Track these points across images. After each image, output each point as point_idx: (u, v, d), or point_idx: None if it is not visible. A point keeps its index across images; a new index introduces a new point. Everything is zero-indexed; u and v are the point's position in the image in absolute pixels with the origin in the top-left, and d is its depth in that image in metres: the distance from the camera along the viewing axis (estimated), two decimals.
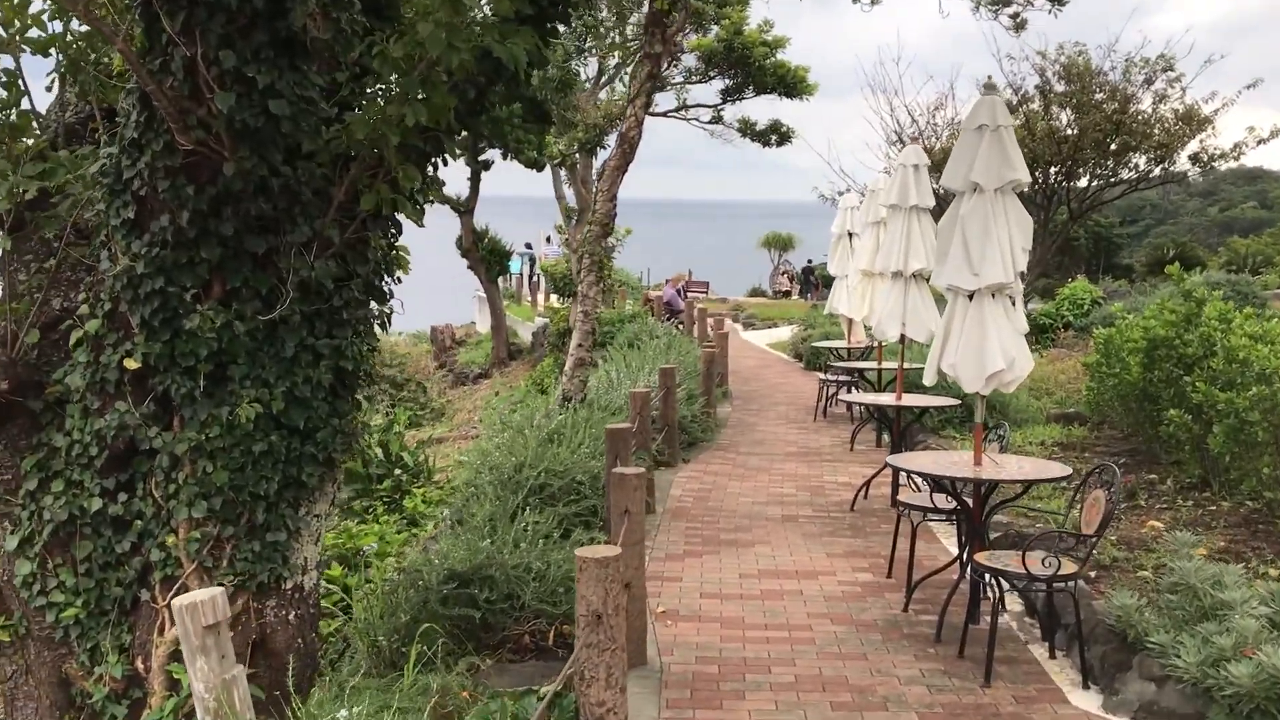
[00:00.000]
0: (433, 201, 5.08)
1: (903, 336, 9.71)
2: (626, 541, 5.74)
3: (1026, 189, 6.94)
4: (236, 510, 4.55)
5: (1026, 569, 5.69)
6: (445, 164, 5.07)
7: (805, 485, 10.72)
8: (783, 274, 43.67)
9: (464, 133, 5.09)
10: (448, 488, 9.77)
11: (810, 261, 41.48)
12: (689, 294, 26.43)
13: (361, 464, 11.55)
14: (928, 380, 6.69)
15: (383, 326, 5.27)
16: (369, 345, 5.05)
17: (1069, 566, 5.75)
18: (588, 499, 7.78)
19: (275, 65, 3.97)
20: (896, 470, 9.70)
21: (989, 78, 7.39)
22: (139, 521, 4.62)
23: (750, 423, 14.67)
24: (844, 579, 7.62)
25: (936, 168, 13.65)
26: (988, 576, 6.06)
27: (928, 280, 9.85)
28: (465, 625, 5.73)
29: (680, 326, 22.78)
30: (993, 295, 6.42)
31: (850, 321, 15.19)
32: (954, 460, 6.69)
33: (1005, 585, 6.07)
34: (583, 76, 19.14)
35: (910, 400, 9.69)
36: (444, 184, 5.17)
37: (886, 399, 9.82)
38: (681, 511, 9.50)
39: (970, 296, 6.46)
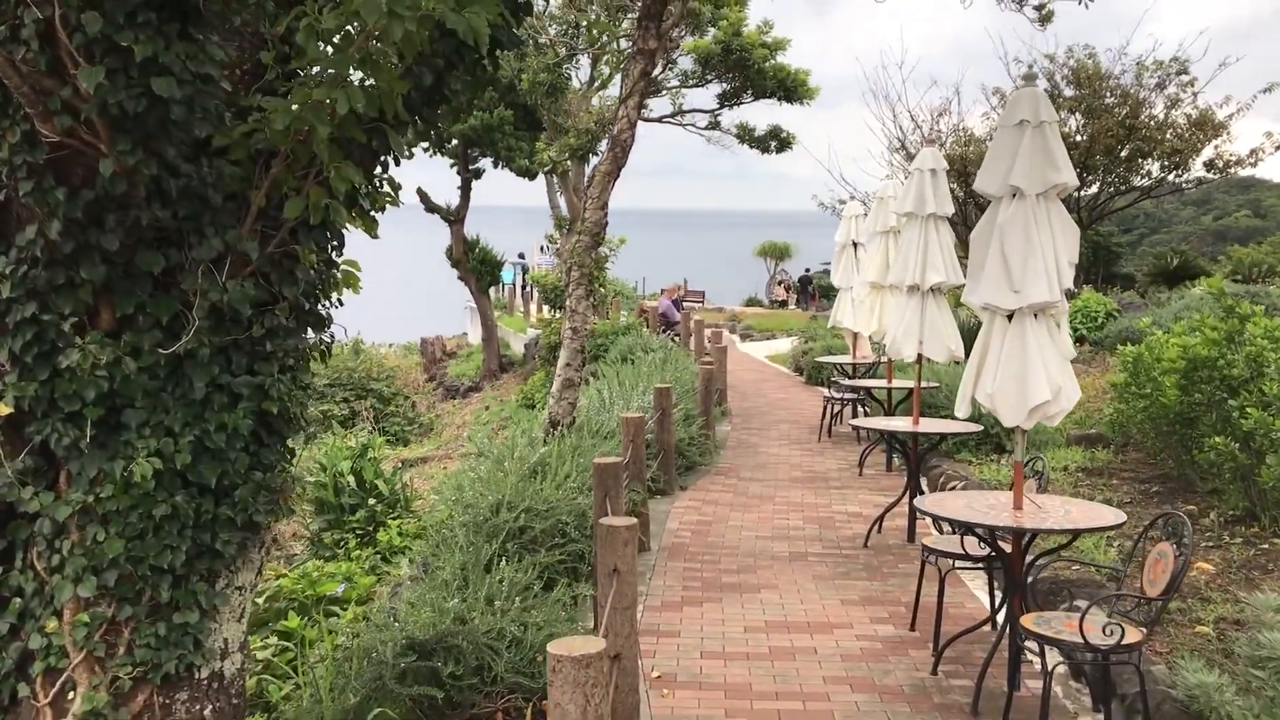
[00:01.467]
0: (383, 208, 4.23)
1: (919, 356, 8.90)
2: (617, 605, 4.90)
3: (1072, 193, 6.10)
4: (135, 586, 3.70)
5: (1084, 637, 4.86)
6: (397, 163, 4.24)
7: (813, 516, 9.89)
8: (780, 283, 42.86)
9: (420, 125, 4.25)
10: (425, 519, 8.92)
11: (808, 270, 40.69)
12: (685, 304, 25.62)
13: (333, 493, 10.70)
14: (960, 412, 5.86)
15: (321, 358, 4.42)
16: (301, 382, 4.19)
17: (1132, 634, 4.92)
18: (574, 542, 6.95)
19: (159, 33, 3.11)
20: (914, 498, 8.89)
21: (1030, 66, 6.59)
22: (17, 600, 3.77)
23: (751, 443, 13.85)
24: (862, 632, 6.78)
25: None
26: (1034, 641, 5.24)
27: (946, 295, 9.04)
28: (427, 704, 4.89)
29: (676, 339, 21.96)
30: (1035, 316, 5.61)
31: (855, 336, 14.38)
32: (990, 504, 5.86)
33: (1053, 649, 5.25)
34: (575, 81, 18.37)
35: (928, 425, 8.87)
36: (399, 187, 4.33)
37: (901, 424, 8.99)
38: (679, 549, 8.67)
39: (1009, 317, 5.64)
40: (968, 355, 6.26)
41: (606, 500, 6.56)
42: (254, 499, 3.85)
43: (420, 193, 26.54)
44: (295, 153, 3.59)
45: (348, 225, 4.10)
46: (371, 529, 10.25)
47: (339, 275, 4.28)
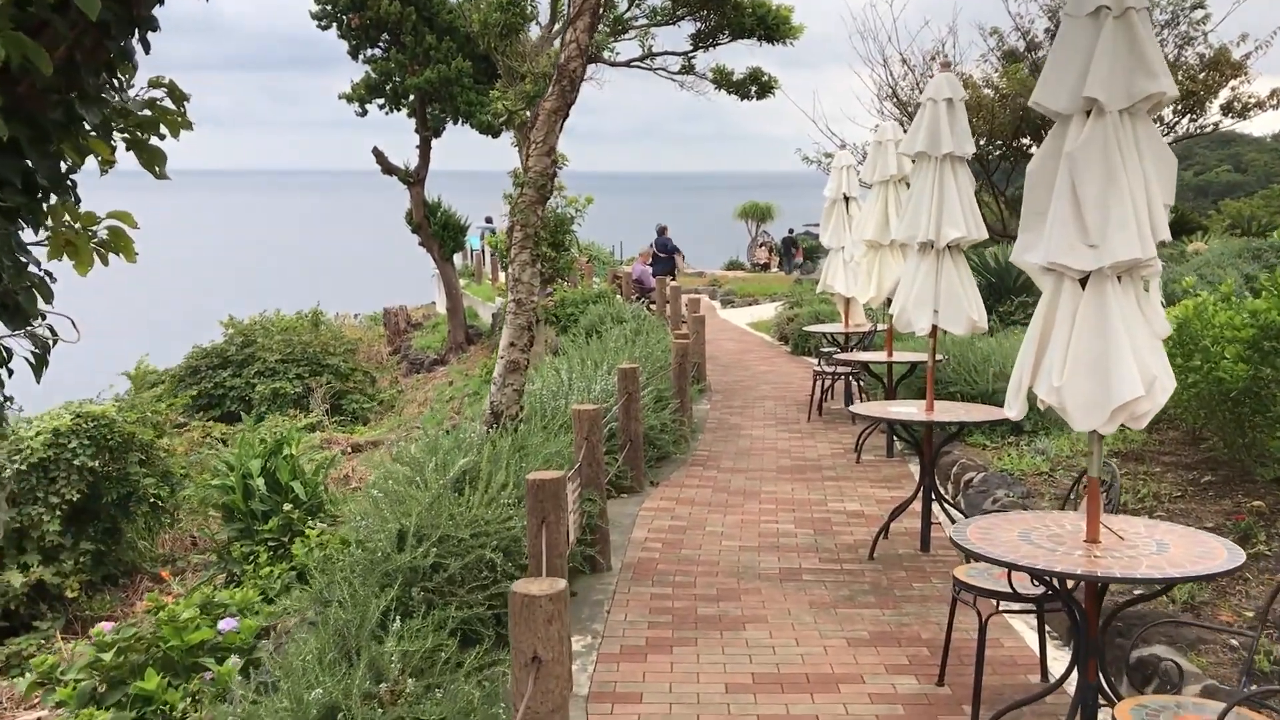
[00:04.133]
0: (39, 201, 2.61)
1: (934, 328, 7.35)
2: (536, 710, 3.37)
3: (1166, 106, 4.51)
4: None
5: None
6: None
7: (806, 518, 8.37)
8: (761, 245, 41.25)
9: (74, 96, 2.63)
10: (346, 531, 7.32)
11: (791, 231, 39.09)
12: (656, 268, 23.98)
13: (242, 498, 9.12)
14: (1014, 412, 4.32)
15: (36, 367, 2.82)
16: None
17: None
18: (508, 578, 5.40)
19: None
20: (930, 505, 7.38)
21: None
22: None
23: (733, 424, 12.32)
24: (877, 689, 5.27)
25: None
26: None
27: (965, 252, 7.49)
28: None
29: (652, 307, 20.38)
30: (1119, 279, 4.06)
31: (848, 302, 12.84)
32: (1053, 532, 4.34)
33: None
34: (536, 26, 16.65)
35: (944, 412, 7.34)
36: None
37: (911, 410, 7.46)
38: (647, 567, 7.14)
39: (1083, 282, 4.09)
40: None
41: (543, 531, 5.01)
42: None
43: (376, 152, 24.80)
44: None
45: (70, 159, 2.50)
46: (287, 540, 8.69)
47: (75, 232, 2.68)
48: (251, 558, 8.71)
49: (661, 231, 24.94)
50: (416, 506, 5.39)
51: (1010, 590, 4.77)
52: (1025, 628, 5.95)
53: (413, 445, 7.14)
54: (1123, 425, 4.08)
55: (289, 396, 22.66)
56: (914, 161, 7.51)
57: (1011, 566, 4.02)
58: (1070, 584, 4.26)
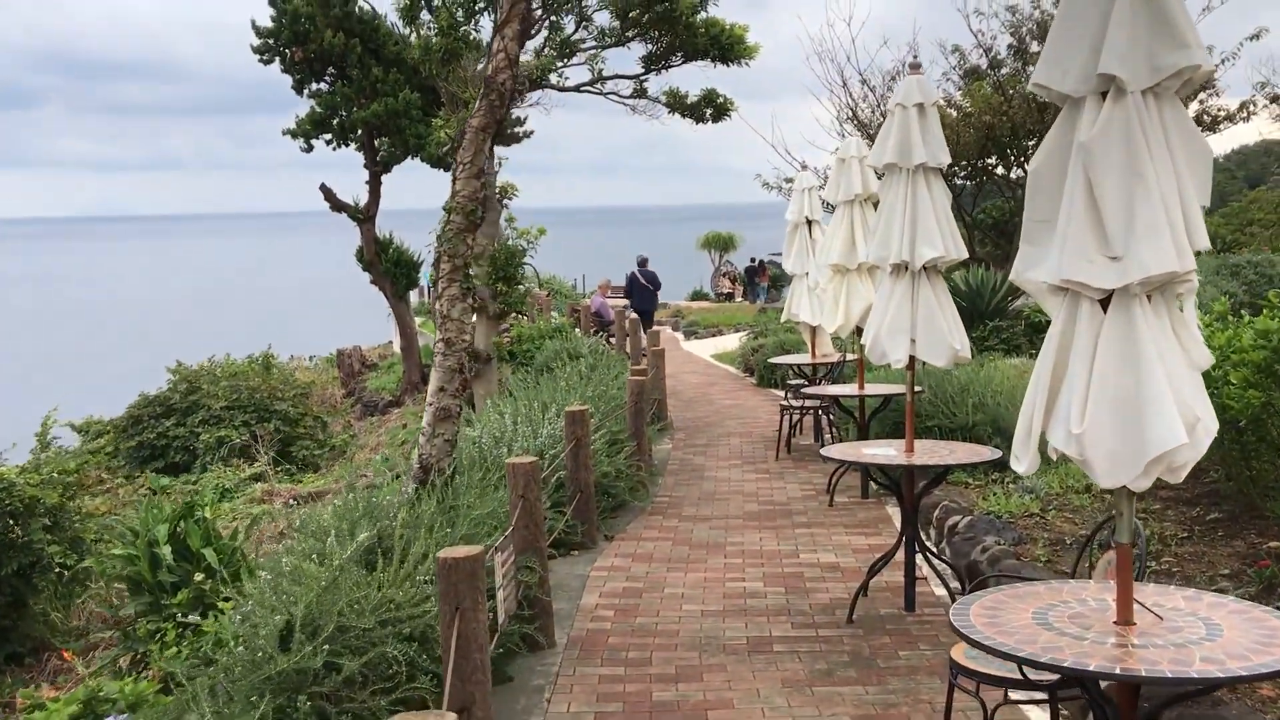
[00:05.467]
0: None
1: (912, 360, 6.56)
2: None
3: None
4: None
5: None
6: None
7: (777, 574, 7.53)
8: (724, 275, 40.64)
9: None
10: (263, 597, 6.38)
11: (753, 260, 38.50)
12: (611, 301, 23.16)
13: (148, 569, 8.17)
14: (1023, 466, 3.51)
15: None
16: None
17: None
18: (422, 675, 4.52)
19: None
20: (913, 558, 6.57)
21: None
22: None
23: (696, 465, 11.49)
24: None
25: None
26: None
27: (950, 273, 6.72)
28: None
29: (611, 340, 19.56)
30: (1148, 298, 3.28)
31: (815, 331, 12.08)
32: (1075, 612, 3.53)
33: None
34: (477, 49, 15.86)
35: (927, 454, 6.54)
36: None
37: (890, 452, 6.66)
38: (596, 641, 6.26)
39: (1104, 303, 3.31)
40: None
41: (457, 623, 4.14)
42: None
43: (324, 189, 23.94)
44: None
45: None
46: (199, 614, 7.73)
47: None
48: (159, 635, 7.75)
49: (643, 263, 24.10)
50: (309, 591, 4.51)
51: (1021, 676, 3.95)
52: (1036, 709, 5.11)
53: (328, 508, 6.25)
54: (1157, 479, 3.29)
55: (235, 445, 21.62)
56: (883, 175, 6.74)
57: (1032, 664, 3.20)
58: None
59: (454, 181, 7.02)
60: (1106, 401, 3.25)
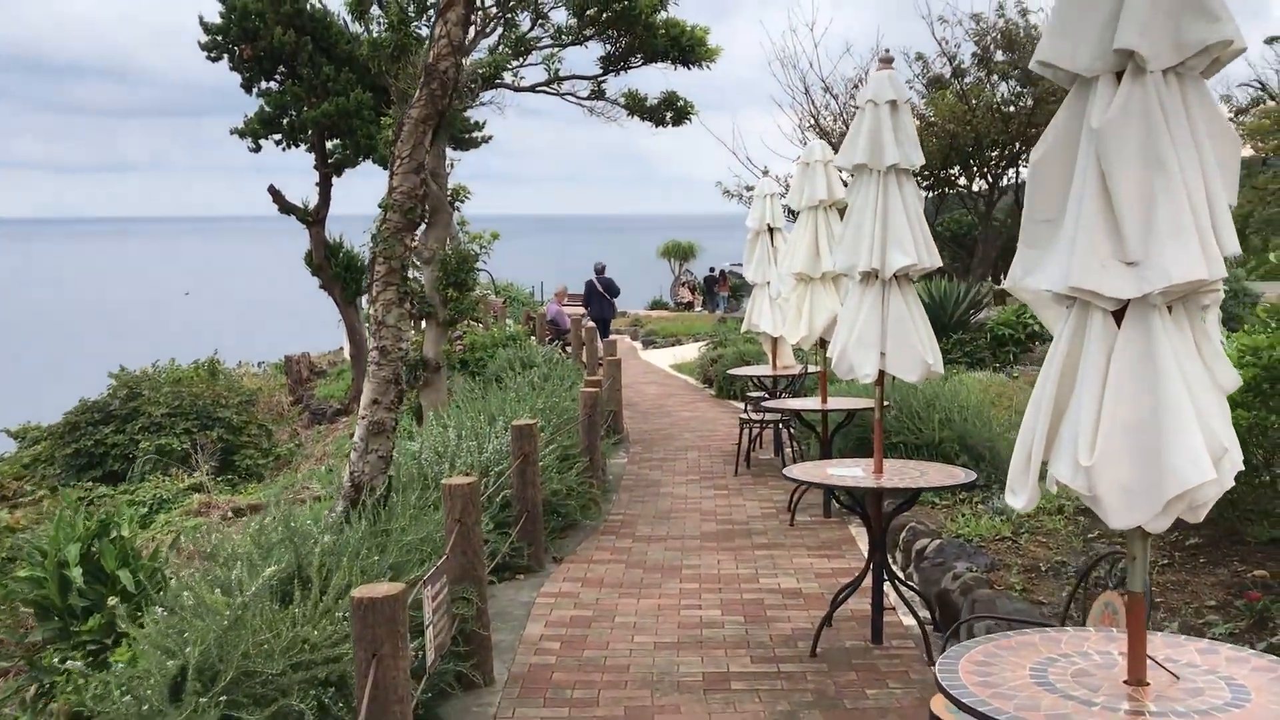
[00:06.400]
0: None
1: (881, 374, 6.13)
2: None
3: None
4: None
5: None
6: None
7: (735, 601, 7.06)
8: (684, 284, 40.27)
9: None
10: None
11: (712, 270, 38.17)
12: (568, 309, 22.64)
13: (57, 592, 7.55)
14: (1021, 502, 3.06)
15: None
16: None
17: None
18: None
19: None
20: (881, 586, 6.13)
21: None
22: None
23: (652, 480, 11.00)
24: None
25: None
26: None
27: (916, 283, 6.29)
28: None
29: (567, 349, 19.06)
30: (1168, 310, 2.84)
31: (776, 342, 11.64)
32: (1079, 669, 3.08)
33: None
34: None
35: (897, 475, 6.10)
36: None
37: (855, 472, 6.22)
38: (539, 677, 5.75)
39: (1118, 316, 2.86)
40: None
41: (374, 669, 3.62)
42: None
43: (273, 191, 23.27)
44: None
45: None
46: (111, 641, 7.13)
47: None
48: (65, 664, 7.13)
49: (600, 270, 23.61)
50: (209, 631, 3.97)
51: None
52: None
53: (249, 529, 5.69)
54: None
55: (176, 453, 20.88)
56: (851, 177, 6.30)
57: None
58: None
59: (391, 177, 6.50)
60: (1120, 429, 2.80)
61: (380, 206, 6.59)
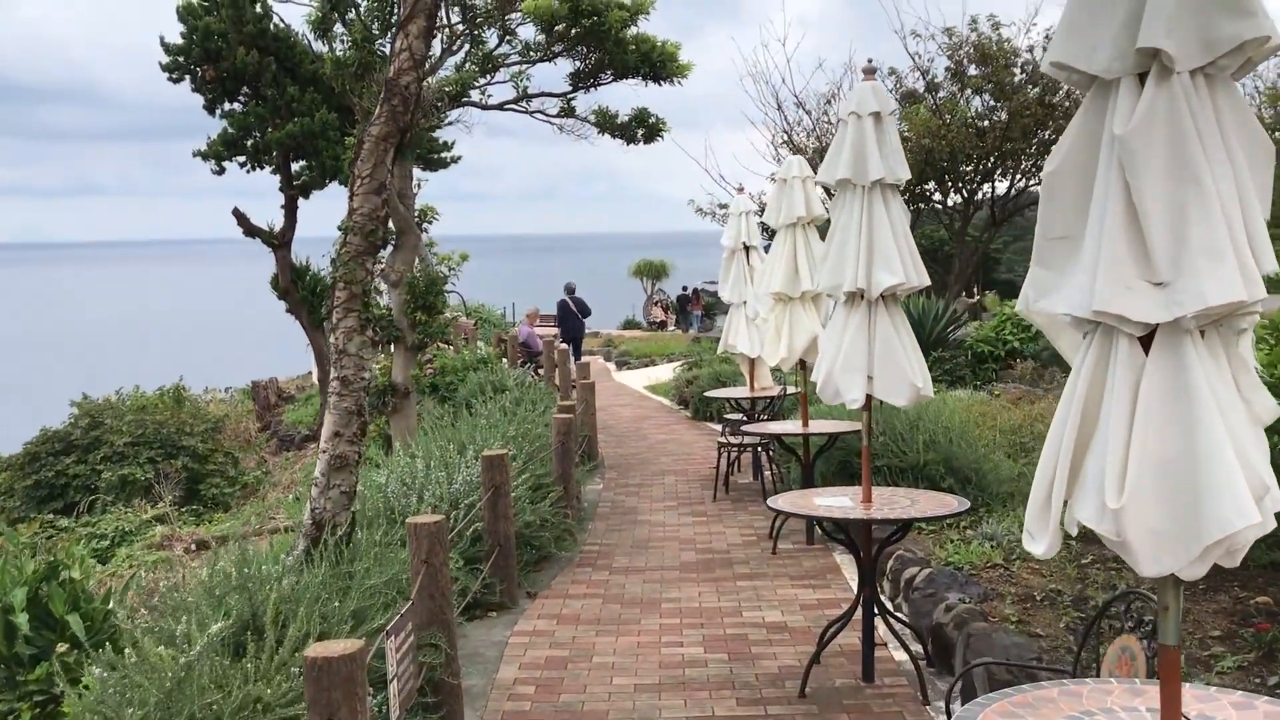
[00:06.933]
0: None
1: (869, 399, 5.86)
2: None
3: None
4: None
5: None
6: None
7: (718, 636, 6.75)
8: (657, 304, 40.01)
9: None
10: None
11: (685, 289, 37.96)
12: (540, 330, 22.33)
13: (2, 637, 7.14)
14: (1041, 549, 2.77)
15: None
16: None
17: None
18: None
19: None
20: (871, 621, 5.84)
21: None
22: None
23: (629, 508, 10.69)
24: None
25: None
26: None
27: (900, 302, 6.04)
28: None
29: (539, 372, 18.73)
30: (1201, 334, 2.57)
31: (753, 363, 11.39)
32: None
33: None
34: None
35: (887, 505, 5.83)
36: None
37: (843, 502, 5.94)
38: None
39: (1145, 342, 2.59)
40: None
41: None
42: None
43: (237, 213, 22.83)
44: None
45: None
46: (60, 691, 6.73)
47: None
48: (12, 716, 6.73)
49: (571, 290, 23.36)
50: (150, 694, 3.63)
51: None
52: None
53: (200, 576, 5.34)
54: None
55: (139, 484, 20.37)
56: (834, 193, 6.04)
57: None
58: None
59: (351, 198, 6.19)
60: (1151, 468, 2.53)
61: (340, 229, 6.29)
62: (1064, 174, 2.71)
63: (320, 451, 6.23)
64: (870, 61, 5.87)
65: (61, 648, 7.08)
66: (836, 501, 5.99)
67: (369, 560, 5.72)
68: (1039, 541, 2.75)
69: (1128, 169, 2.52)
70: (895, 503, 5.90)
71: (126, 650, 4.23)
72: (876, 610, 5.92)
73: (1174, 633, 2.68)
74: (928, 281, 5.82)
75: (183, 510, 19.50)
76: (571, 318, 22.83)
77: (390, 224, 16.68)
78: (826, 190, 9.97)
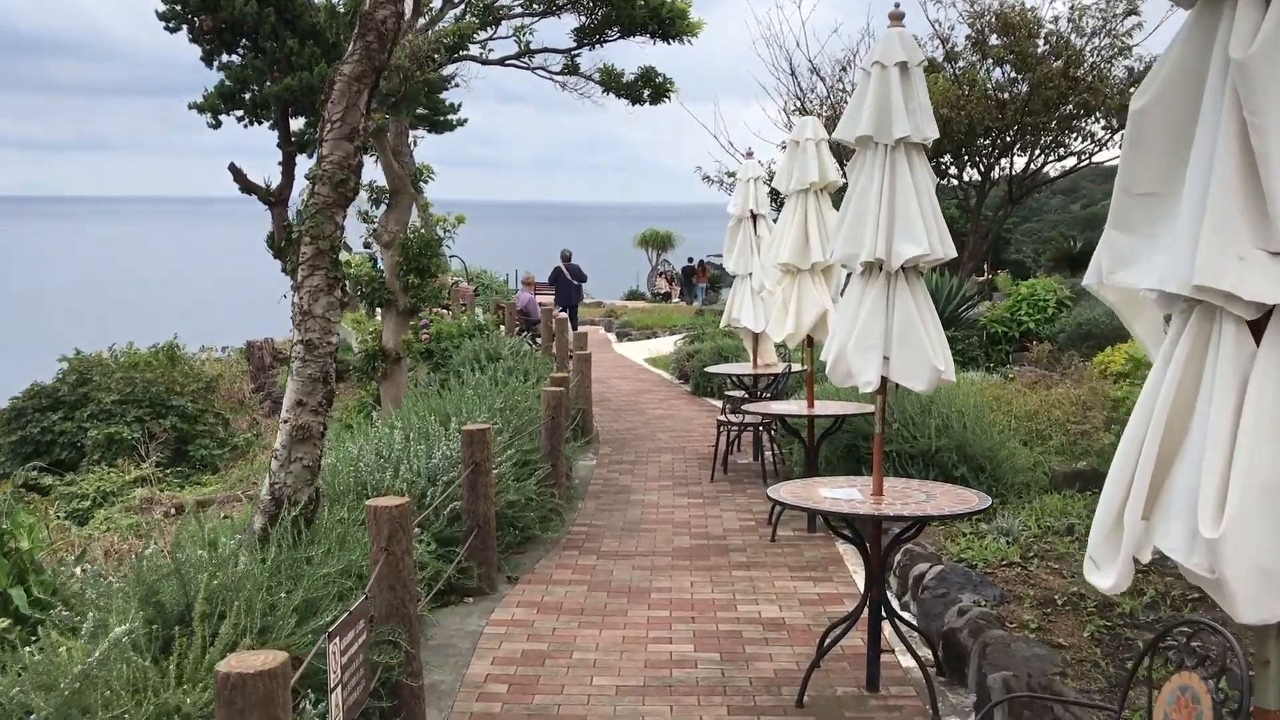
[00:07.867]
0: None
1: (884, 382, 5.31)
2: None
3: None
4: None
5: None
6: None
7: (709, 632, 6.24)
8: (661, 275, 39.41)
9: None
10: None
11: (690, 260, 37.34)
12: (539, 298, 21.78)
13: None
14: (1108, 583, 2.23)
15: None
16: None
17: None
18: None
19: None
20: (879, 625, 5.32)
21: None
22: None
23: (622, 486, 10.18)
24: None
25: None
26: None
27: (923, 275, 5.48)
28: None
29: (537, 341, 18.18)
30: None
31: (757, 338, 10.83)
32: None
33: None
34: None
35: (898, 501, 5.29)
36: None
37: (851, 494, 5.41)
38: None
39: (1257, 328, 2.04)
40: None
41: None
42: None
43: (233, 169, 22.17)
44: None
45: None
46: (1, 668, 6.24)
47: None
48: None
49: (567, 257, 22.83)
50: (48, 702, 3.11)
51: None
52: None
53: (135, 559, 4.82)
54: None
55: (126, 443, 19.91)
56: (853, 152, 5.47)
57: None
58: None
59: (320, 144, 5.64)
60: (1259, 490, 1.98)
61: (307, 178, 5.73)
62: (1157, 112, 2.14)
63: (281, 421, 5.69)
64: (898, 6, 5.28)
65: (3, 623, 6.59)
66: (843, 493, 5.45)
67: (330, 542, 5.20)
68: (1105, 573, 2.21)
69: (1246, 104, 1.95)
70: (908, 497, 5.36)
71: (27, 649, 3.72)
72: (885, 614, 5.40)
73: (1276, 696, 2.14)
74: (954, 253, 5.26)
75: (169, 471, 19.06)
76: (566, 285, 22.35)
77: (382, 180, 16.12)
78: (840, 160, 9.40)
